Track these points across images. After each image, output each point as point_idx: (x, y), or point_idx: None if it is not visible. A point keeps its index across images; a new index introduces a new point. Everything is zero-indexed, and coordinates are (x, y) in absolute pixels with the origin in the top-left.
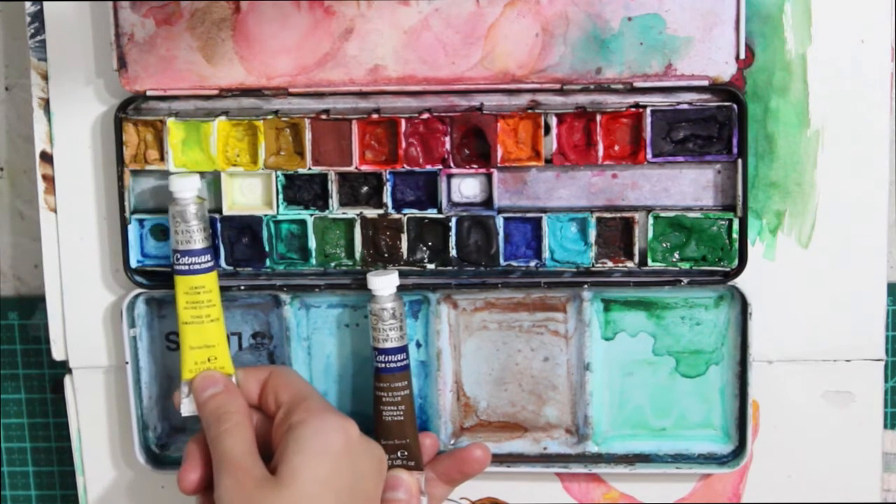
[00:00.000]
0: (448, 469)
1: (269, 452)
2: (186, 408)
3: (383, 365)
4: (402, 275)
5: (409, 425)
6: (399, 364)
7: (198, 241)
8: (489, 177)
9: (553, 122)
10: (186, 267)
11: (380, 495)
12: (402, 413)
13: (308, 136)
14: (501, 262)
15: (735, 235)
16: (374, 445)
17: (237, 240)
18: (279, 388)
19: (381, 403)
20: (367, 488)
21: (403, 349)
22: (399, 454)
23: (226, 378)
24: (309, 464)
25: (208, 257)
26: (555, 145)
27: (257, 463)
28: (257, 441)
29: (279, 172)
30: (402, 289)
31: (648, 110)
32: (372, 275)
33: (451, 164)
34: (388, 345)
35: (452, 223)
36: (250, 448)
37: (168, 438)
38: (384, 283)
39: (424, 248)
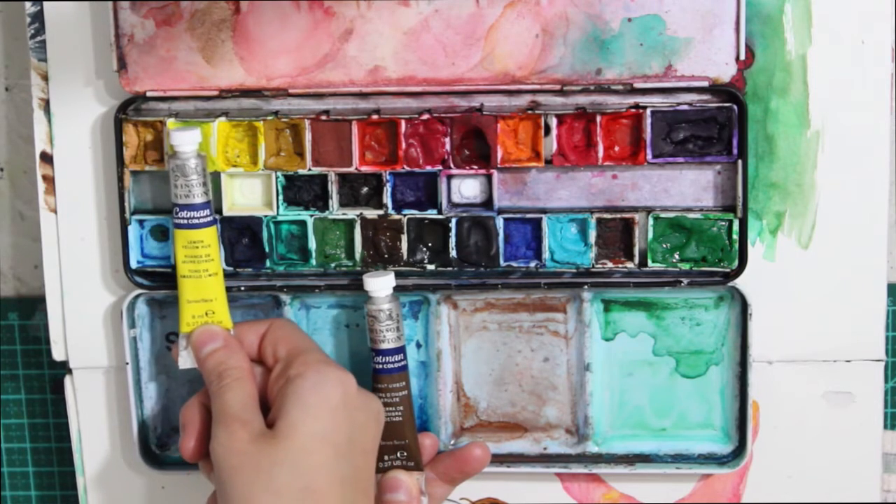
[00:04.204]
0: (448, 469)
1: (268, 406)
2: (184, 360)
3: (381, 366)
4: (402, 275)
5: (408, 426)
6: (396, 365)
7: (197, 195)
8: (489, 178)
9: (553, 122)
10: (185, 221)
11: (377, 448)
12: (400, 414)
13: (308, 136)
14: (501, 262)
15: (735, 236)
16: (372, 398)
17: (237, 240)
18: (278, 340)
19: None
20: (365, 441)
21: (401, 350)
22: (398, 454)
23: (225, 332)
24: (306, 418)
25: (207, 212)
26: (555, 146)
27: (256, 417)
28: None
29: (279, 173)
30: (402, 289)
31: (648, 111)
32: (368, 276)
33: (451, 165)
34: (386, 346)
35: (452, 224)
36: (250, 402)
37: (168, 439)
38: (380, 285)
39: (424, 249)
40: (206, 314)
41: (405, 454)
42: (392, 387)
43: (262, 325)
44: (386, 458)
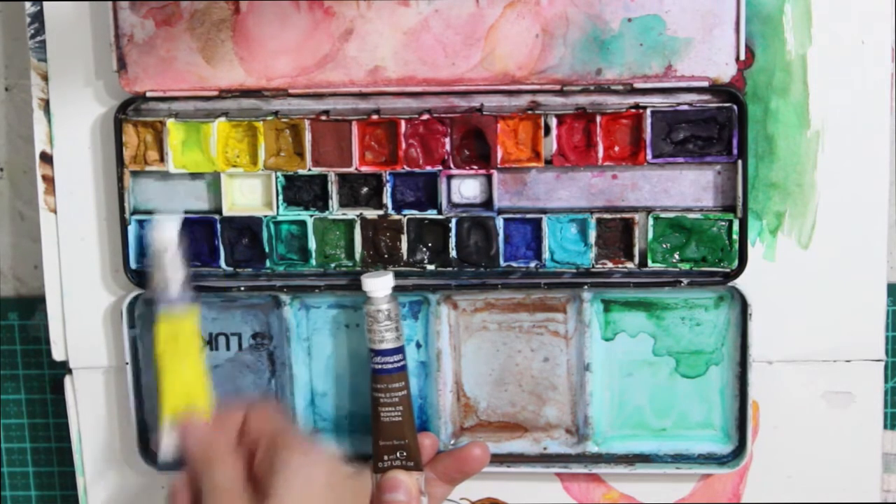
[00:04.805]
0: (447, 469)
1: (253, 489)
2: (166, 450)
3: (380, 366)
4: (402, 275)
5: (407, 426)
6: (395, 365)
7: None
8: (489, 178)
9: (553, 123)
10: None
11: None
12: (399, 414)
13: (308, 136)
14: (501, 262)
15: (735, 236)
16: (360, 474)
17: (237, 240)
18: (260, 422)
19: (378, 404)
20: None
21: (400, 350)
22: (398, 455)
23: (207, 420)
24: (293, 499)
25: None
26: (555, 146)
27: (244, 494)
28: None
29: (279, 173)
30: (402, 289)
31: (648, 111)
32: (366, 276)
33: (451, 165)
34: (384, 346)
35: (452, 224)
36: (238, 480)
37: None
38: (379, 285)
39: (424, 249)
40: (187, 401)
41: (404, 454)
42: (391, 387)
43: (238, 413)
44: (385, 458)
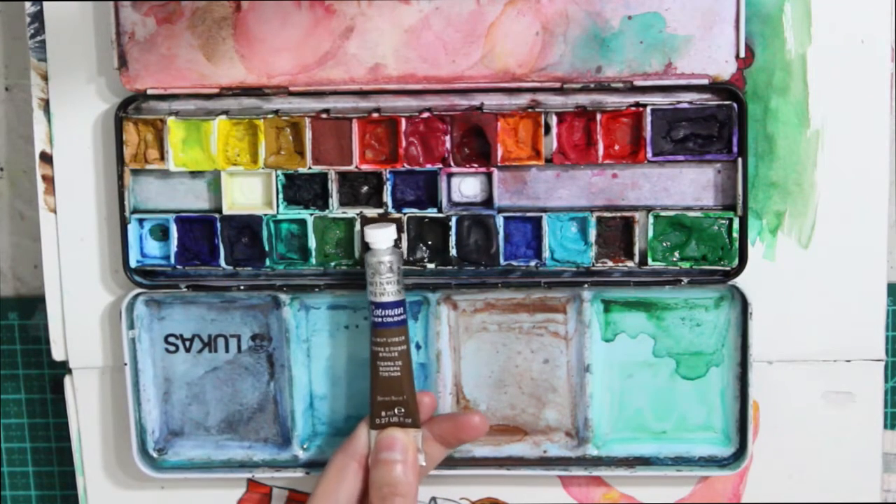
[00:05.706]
0: (444, 433)
1: None
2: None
3: (380, 319)
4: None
5: (405, 381)
6: (396, 319)
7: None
8: (489, 176)
9: (553, 121)
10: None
11: None
12: (398, 369)
13: (308, 135)
14: (501, 261)
15: (735, 234)
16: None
17: (237, 240)
18: None
19: (377, 359)
20: None
21: (400, 304)
22: (396, 411)
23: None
24: None
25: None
26: (555, 144)
27: None
28: None
29: (279, 172)
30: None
31: (648, 109)
32: (369, 227)
33: (452, 164)
34: (385, 299)
35: (452, 223)
36: None
37: (166, 442)
38: (382, 236)
39: (424, 248)
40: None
41: (402, 410)
42: (391, 341)
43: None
44: (383, 414)
